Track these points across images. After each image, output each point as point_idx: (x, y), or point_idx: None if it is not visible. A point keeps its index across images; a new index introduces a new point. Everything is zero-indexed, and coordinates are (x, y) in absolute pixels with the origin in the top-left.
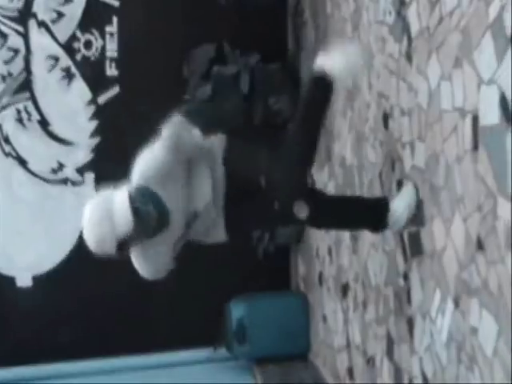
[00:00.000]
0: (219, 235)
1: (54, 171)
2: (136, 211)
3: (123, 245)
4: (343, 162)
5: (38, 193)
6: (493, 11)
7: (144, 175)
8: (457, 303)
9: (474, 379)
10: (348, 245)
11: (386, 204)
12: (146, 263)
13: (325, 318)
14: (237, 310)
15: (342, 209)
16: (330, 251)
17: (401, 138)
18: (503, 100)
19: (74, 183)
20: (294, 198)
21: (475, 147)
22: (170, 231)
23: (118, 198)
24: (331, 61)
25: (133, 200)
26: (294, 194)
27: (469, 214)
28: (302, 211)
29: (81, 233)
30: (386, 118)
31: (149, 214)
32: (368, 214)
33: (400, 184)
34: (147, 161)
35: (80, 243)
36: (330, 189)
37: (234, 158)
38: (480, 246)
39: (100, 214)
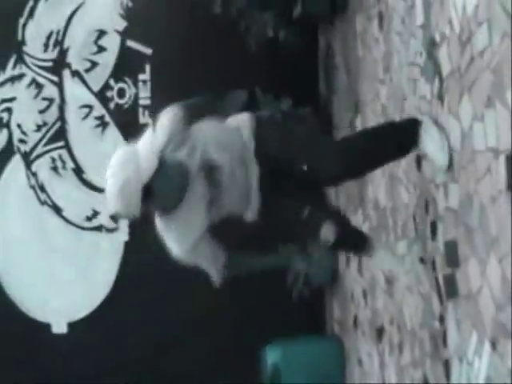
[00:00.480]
0: (251, 213)
1: (89, 218)
2: (160, 156)
3: (148, 192)
4: (377, 205)
5: (73, 240)
6: None
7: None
8: (494, 346)
9: None
10: (383, 288)
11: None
12: (176, 234)
13: (360, 362)
14: (272, 355)
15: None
16: (364, 294)
17: (434, 179)
18: None
19: (108, 230)
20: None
21: (509, 187)
22: (194, 190)
23: (143, 141)
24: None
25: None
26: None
27: (504, 255)
28: (329, 235)
29: (115, 279)
30: (418, 159)
31: (172, 162)
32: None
33: (434, 225)
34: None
35: (115, 290)
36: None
37: (266, 138)
38: None
39: (125, 157)
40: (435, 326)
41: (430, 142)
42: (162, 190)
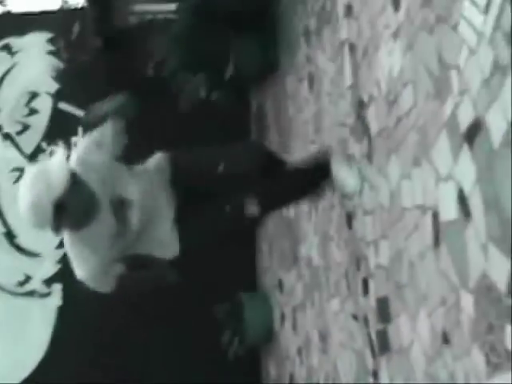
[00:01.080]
0: (171, 248)
1: (21, 284)
2: (72, 173)
3: (59, 209)
4: (310, 263)
5: (4, 306)
6: (447, 109)
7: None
8: None
9: None
10: (317, 345)
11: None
12: (82, 259)
13: None
14: None
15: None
16: (299, 352)
17: (365, 237)
18: (461, 195)
19: (41, 295)
20: (244, 197)
21: (437, 243)
22: (101, 220)
23: (55, 159)
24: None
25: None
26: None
27: (433, 309)
28: (252, 209)
29: (48, 345)
30: (349, 218)
31: (84, 184)
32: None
33: (365, 282)
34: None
35: (47, 357)
36: (298, 290)
37: (182, 165)
38: (446, 339)
39: (36, 174)
40: (369, 381)
41: (341, 170)
42: (72, 207)
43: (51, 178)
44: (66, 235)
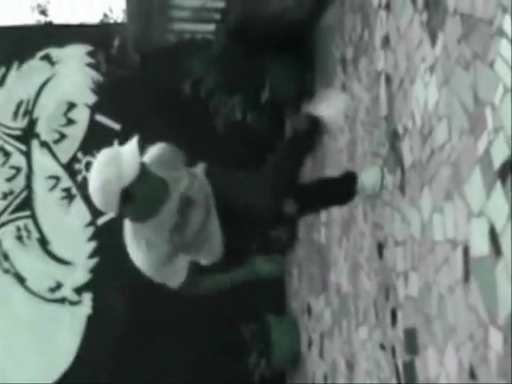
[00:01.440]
0: (214, 251)
1: (52, 290)
2: (144, 165)
3: (126, 197)
4: (339, 290)
5: (35, 311)
6: (481, 146)
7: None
8: None
9: None
10: (343, 372)
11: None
12: (141, 250)
13: None
14: None
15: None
16: (325, 378)
17: (395, 267)
18: (492, 232)
19: (71, 303)
20: (282, 198)
21: (466, 278)
22: (165, 212)
23: (128, 146)
24: (321, 108)
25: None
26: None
27: (461, 344)
28: (290, 207)
29: (77, 353)
30: (380, 247)
31: (155, 177)
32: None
33: (394, 313)
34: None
35: (75, 364)
36: (327, 316)
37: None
38: (472, 375)
39: (109, 156)
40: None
41: (363, 172)
42: (138, 197)
43: (123, 164)
44: (127, 224)
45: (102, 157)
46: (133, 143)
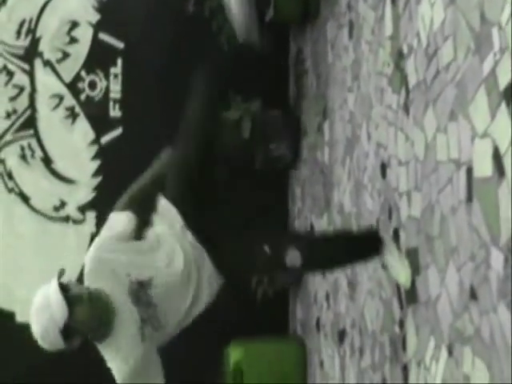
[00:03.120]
0: (212, 285)
1: (56, 209)
2: (67, 297)
3: (68, 333)
4: (342, 210)
5: (40, 229)
6: (487, 66)
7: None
8: (450, 351)
9: None
10: (345, 292)
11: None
12: (117, 362)
13: (322, 364)
14: (235, 354)
15: (334, 249)
16: (327, 297)
17: (398, 187)
18: (496, 153)
19: (75, 221)
20: (285, 246)
21: (469, 198)
22: (123, 320)
23: (51, 287)
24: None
25: (65, 287)
26: (284, 242)
27: (462, 264)
28: (295, 260)
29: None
30: (383, 167)
31: (81, 298)
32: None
33: (396, 232)
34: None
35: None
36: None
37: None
38: (473, 295)
39: (39, 304)
40: (395, 330)
41: (394, 260)
42: (80, 327)
43: (52, 306)
44: (98, 347)
45: (34, 304)
46: (53, 283)
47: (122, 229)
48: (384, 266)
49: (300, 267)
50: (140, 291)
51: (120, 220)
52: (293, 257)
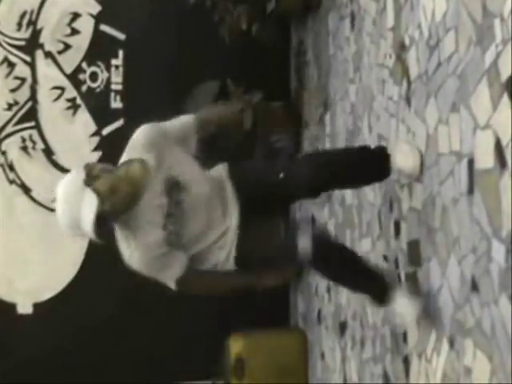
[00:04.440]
0: (229, 261)
1: None
2: (99, 230)
3: (99, 224)
4: (343, 202)
5: (41, 221)
6: (489, 58)
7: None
8: (451, 343)
9: None
10: None
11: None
12: (134, 243)
13: (323, 356)
14: (236, 345)
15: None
16: (328, 289)
17: (399, 179)
18: (498, 145)
19: None
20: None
21: (471, 190)
22: (150, 195)
23: (85, 214)
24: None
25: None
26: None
27: (464, 256)
28: (305, 245)
29: (82, 262)
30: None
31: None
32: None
33: (398, 224)
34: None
35: (80, 273)
36: (330, 227)
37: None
38: (474, 287)
39: (66, 193)
40: (397, 322)
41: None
42: (109, 213)
43: (82, 224)
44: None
45: (62, 194)
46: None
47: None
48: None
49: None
50: (174, 189)
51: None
52: (305, 248)
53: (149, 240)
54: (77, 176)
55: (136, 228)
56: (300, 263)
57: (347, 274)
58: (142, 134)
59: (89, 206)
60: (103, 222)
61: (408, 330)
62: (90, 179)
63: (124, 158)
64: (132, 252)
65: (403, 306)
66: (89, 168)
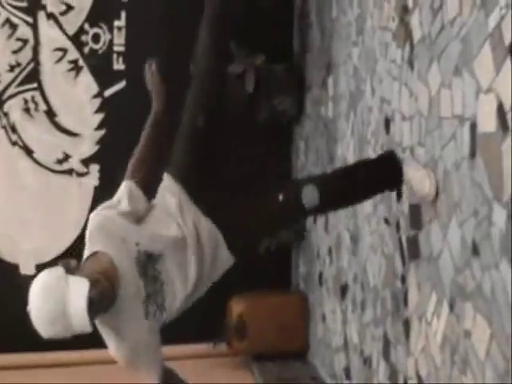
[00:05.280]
0: (225, 260)
1: (60, 161)
2: (92, 314)
3: (92, 308)
4: (345, 164)
5: (43, 182)
6: (492, 21)
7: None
8: (452, 307)
9: (467, 381)
10: (348, 246)
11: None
12: (119, 339)
13: (324, 318)
14: (237, 307)
15: (353, 179)
16: (330, 252)
17: (401, 142)
18: (501, 109)
19: (78, 174)
20: (302, 184)
21: (473, 154)
22: (125, 287)
23: (74, 299)
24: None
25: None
26: (300, 180)
27: (465, 220)
28: (312, 198)
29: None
30: (387, 122)
31: (104, 298)
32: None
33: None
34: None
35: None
36: None
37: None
38: (475, 250)
39: (52, 308)
40: (397, 285)
41: (412, 170)
42: (99, 300)
43: (69, 286)
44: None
45: (38, 290)
46: (78, 293)
47: (130, 199)
48: (406, 183)
49: (319, 205)
50: (148, 264)
51: (124, 190)
52: (310, 194)
53: (134, 337)
54: (54, 270)
55: (118, 328)
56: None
57: (355, 194)
58: (91, 226)
59: (78, 290)
60: (96, 308)
61: (428, 201)
62: (72, 270)
63: (86, 251)
64: (117, 343)
65: (419, 179)
66: (65, 262)
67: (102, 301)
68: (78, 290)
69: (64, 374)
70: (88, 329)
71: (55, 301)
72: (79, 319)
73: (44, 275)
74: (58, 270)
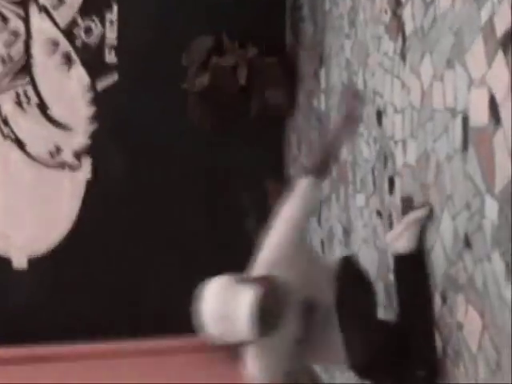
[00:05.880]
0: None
1: (52, 155)
2: (255, 322)
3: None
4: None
5: (35, 175)
6: (484, 14)
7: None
8: (444, 299)
9: (459, 373)
10: (340, 239)
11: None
12: (260, 362)
13: None
14: None
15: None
16: (322, 244)
17: (393, 135)
18: (493, 101)
19: (71, 167)
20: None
21: (465, 147)
22: (289, 323)
23: (242, 309)
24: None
25: (259, 311)
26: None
27: (457, 212)
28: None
29: (76, 217)
30: (379, 115)
31: (273, 317)
32: None
33: (392, 180)
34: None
35: (74, 228)
36: (324, 183)
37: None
38: (467, 243)
39: (220, 315)
40: (390, 278)
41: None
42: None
43: (236, 327)
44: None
45: (213, 311)
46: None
47: None
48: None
49: None
50: (307, 311)
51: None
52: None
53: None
54: (226, 277)
55: (266, 357)
56: None
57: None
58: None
59: (246, 297)
60: (260, 319)
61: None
62: (243, 280)
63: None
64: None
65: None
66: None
67: (267, 316)
68: (247, 297)
69: (53, 368)
70: (251, 337)
71: (224, 302)
72: (242, 324)
73: (217, 281)
74: (230, 279)
